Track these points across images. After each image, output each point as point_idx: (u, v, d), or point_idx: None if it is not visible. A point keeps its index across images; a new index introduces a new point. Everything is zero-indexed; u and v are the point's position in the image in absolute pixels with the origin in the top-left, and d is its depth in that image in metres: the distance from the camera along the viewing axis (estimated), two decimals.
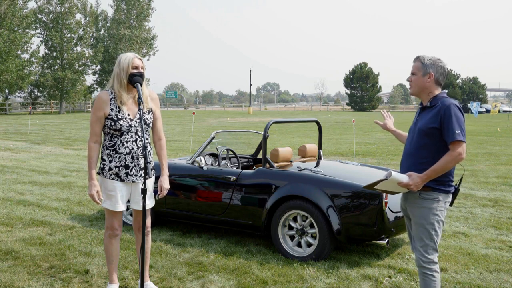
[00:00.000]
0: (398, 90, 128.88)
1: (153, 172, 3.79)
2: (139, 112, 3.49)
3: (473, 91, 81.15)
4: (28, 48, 44.64)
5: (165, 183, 3.77)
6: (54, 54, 48.62)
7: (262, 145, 5.29)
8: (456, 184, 3.27)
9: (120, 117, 3.56)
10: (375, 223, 4.51)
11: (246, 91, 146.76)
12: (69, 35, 48.59)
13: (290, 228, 4.94)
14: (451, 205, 3.27)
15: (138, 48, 53.32)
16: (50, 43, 47.97)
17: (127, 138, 3.59)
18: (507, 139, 20.43)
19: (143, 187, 3.31)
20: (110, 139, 3.62)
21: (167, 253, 4.90)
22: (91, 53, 50.85)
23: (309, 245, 4.82)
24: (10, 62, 40.57)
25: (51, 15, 47.74)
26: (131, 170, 3.62)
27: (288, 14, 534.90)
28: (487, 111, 63.36)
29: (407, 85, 3.40)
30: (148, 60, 58.86)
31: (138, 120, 3.60)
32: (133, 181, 3.65)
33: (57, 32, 47.15)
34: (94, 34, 54.18)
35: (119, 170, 3.60)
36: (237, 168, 6.26)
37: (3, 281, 4.09)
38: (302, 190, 4.79)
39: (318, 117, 44.02)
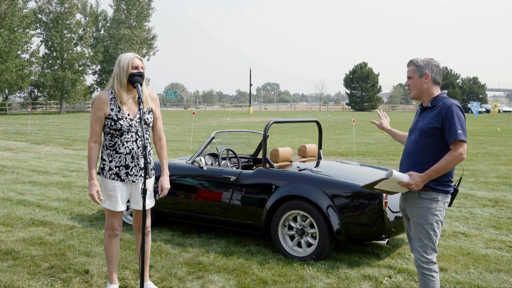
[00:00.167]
0: (398, 90, 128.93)
1: (153, 172, 3.79)
2: (139, 112, 3.49)
3: (473, 91, 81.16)
4: (28, 48, 44.65)
5: (166, 183, 3.77)
6: (54, 54, 48.62)
7: (262, 145, 5.29)
8: (455, 185, 3.27)
9: (120, 117, 3.56)
10: (375, 223, 4.51)
11: (246, 91, 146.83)
12: (69, 35, 48.59)
13: (290, 228, 4.94)
14: (449, 205, 3.28)
15: (138, 48, 53.32)
16: (50, 43, 47.97)
17: (127, 138, 3.59)
18: (507, 139, 20.43)
19: (143, 187, 3.31)
20: (110, 139, 3.62)
21: (167, 253, 4.90)
22: (91, 53, 50.84)
23: (309, 245, 4.82)
24: (10, 62, 40.57)
25: (51, 15, 47.73)
26: (131, 170, 3.62)
27: (288, 14, 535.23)
28: (487, 111, 63.36)
29: (407, 88, 3.41)
30: (148, 60, 58.91)
31: (138, 120, 3.60)
32: (133, 181, 3.65)
33: (57, 32, 47.14)
34: (94, 34, 54.17)
35: (119, 170, 3.60)
36: (237, 168, 6.26)
37: (3, 281, 4.09)
38: (302, 190, 4.79)
39: (318, 117, 44.02)
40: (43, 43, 48.25)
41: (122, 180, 3.62)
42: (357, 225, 4.59)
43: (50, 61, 48.96)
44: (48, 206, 6.96)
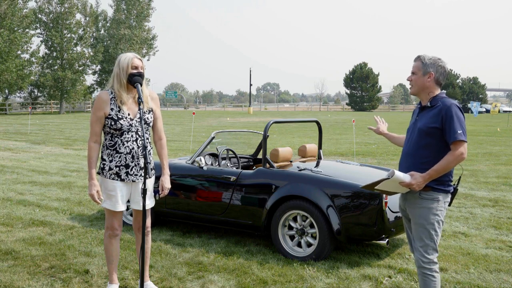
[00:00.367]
0: (398, 90, 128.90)
1: (153, 172, 3.79)
2: (139, 111, 3.49)
3: (473, 91, 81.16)
4: (28, 48, 44.65)
5: (166, 183, 3.77)
6: (54, 54, 48.62)
7: (262, 145, 5.29)
8: (454, 184, 3.27)
9: (120, 116, 3.56)
10: (375, 223, 4.51)
11: (246, 91, 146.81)
12: (69, 35, 48.59)
13: (290, 228, 4.94)
14: (449, 205, 3.28)
15: (138, 48, 53.32)
16: (50, 43, 47.96)
17: (128, 138, 3.59)
18: (507, 139, 20.43)
19: (143, 187, 3.32)
20: (110, 138, 3.62)
21: (167, 253, 4.90)
22: (91, 53, 50.84)
23: (309, 245, 4.82)
24: (10, 62, 40.57)
25: (51, 15, 47.73)
26: (131, 170, 3.62)
27: (288, 14, 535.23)
28: (487, 111, 63.37)
29: (407, 84, 3.40)
30: (148, 60, 58.91)
31: (139, 120, 3.61)
32: (133, 181, 3.65)
33: (57, 32, 47.14)
34: (94, 34, 54.16)
35: (119, 169, 3.60)
36: (237, 168, 6.26)
37: (3, 281, 4.09)
38: (302, 190, 4.79)
39: (318, 117, 44.02)
40: (43, 43, 48.26)
41: (122, 180, 3.62)
42: (357, 225, 4.59)
43: (50, 61, 48.96)
44: (48, 206, 6.96)
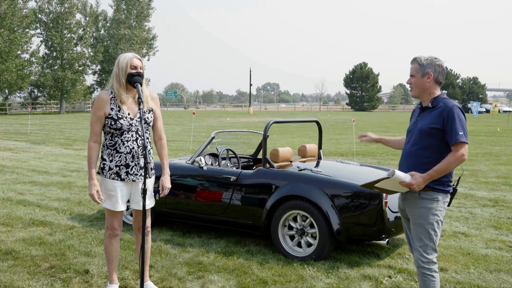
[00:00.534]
0: (398, 90, 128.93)
1: (153, 171, 3.79)
2: (139, 111, 3.49)
3: (473, 91, 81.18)
4: (28, 48, 44.65)
5: (167, 182, 3.77)
6: (54, 54, 48.61)
7: (262, 145, 5.29)
8: (453, 184, 3.27)
9: (120, 116, 3.56)
10: (375, 223, 4.51)
11: (246, 91, 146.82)
12: (69, 35, 48.58)
13: (290, 228, 4.94)
14: (448, 205, 3.28)
15: (138, 48, 53.32)
16: (50, 43, 47.96)
17: (128, 137, 3.59)
18: (507, 139, 20.43)
19: (143, 187, 3.32)
20: (110, 138, 3.62)
21: (167, 253, 4.90)
22: (91, 53, 50.85)
23: (309, 245, 4.82)
24: (10, 62, 40.57)
25: (51, 15, 47.73)
26: (131, 169, 3.62)
27: (288, 14, 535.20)
28: (487, 111, 63.38)
29: (408, 87, 3.40)
30: (148, 60, 58.93)
31: (139, 119, 3.61)
32: (133, 180, 3.65)
33: (57, 32, 47.14)
34: (94, 34, 54.16)
35: (119, 169, 3.60)
36: (237, 168, 6.26)
37: (3, 281, 4.08)
38: (302, 190, 4.79)
39: (318, 117, 44.02)
40: (43, 43, 48.26)
41: (122, 180, 3.62)
42: (357, 225, 4.59)
43: (50, 61, 48.96)
44: (48, 206, 6.96)
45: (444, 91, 3.31)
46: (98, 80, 56.25)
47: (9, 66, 40.40)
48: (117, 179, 3.62)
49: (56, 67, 48.55)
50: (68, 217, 6.34)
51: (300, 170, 5.10)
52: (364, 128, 27.67)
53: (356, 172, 5.35)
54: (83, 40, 49.66)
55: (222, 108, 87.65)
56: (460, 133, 3.04)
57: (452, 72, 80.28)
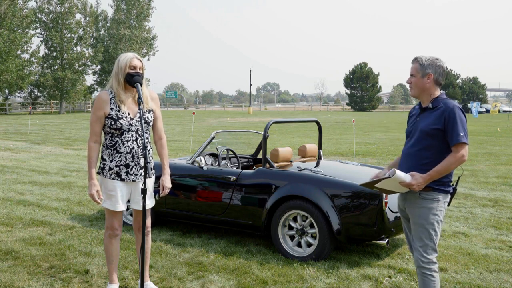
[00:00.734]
0: (398, 90, 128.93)
1: (153, 171, 3.79)
2: (139, 111, 3.50)
3: (473, 91, 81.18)
4: (28, 48, 44.67)
5: (167, 182, 3.77)
6: (54, 54, 48.62)
7: (262, 145, 5.29)
8: (453, 184, 3.27)
9: (120, 116, 3.56)
10: (375, 223, 4.51)
11: (246, 91, 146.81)
12: (69, 35, 48.59)
13: (290, 228, 4.94)
14: (448, 205, 3.28)
15: (138, 48, 53.33)
16: (50, 43, 47.96)
17: (128, 137, 3.59)
18: (507, 139, 20.43)
19: (143, 187, 3.32)
20: (110, 138, 3.62)
21: (167, 253, 4.90)
22: (91, 53, 50.85)
23: (309, 245, 4.82)
24: (10, 62, 40.57)
25: (51, 15, 47.74)
26: (131, 169, 3.62)
27: (288, 14, 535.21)
28: (487, 111, 63.37)
29: (407, 86, 3.39)
30: (148, 60, 58.95)
31: (139, 119, 3.61)
32: (133, 180, 3.65)
33: (57, 32, 47.15)
34: (94, 34, 54.16)
35: (119, 169, 3.60)
36: (237, 168, 6.26)
37: (3, 281, 4.08)
38: (302, 190, 4.79)
39: (318, 117, 44.02)
40: (43, 43, 48.27)
41: (122, 180, 3.62)
42: (357, 225, 4.59)
43: (50, 61, 48.96)
44: (48, 206, 6.96)
45: (443, 91, 3.31)
46: (98, 80, 56.25)
47: (9, 66, 40.40)
48: (117, 179, 3.62)
49: (56, 67, 48.55)
50: (68, 217, 6.34)
51: (300, 170, 5.10)
52: (364, 128, 27.66)
53: (356, 172, 5.35)
54: (83, 40, 49.66)
55: (222, 108, 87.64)
56: (461, 134, 3.04)
57: (452, 72, 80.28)
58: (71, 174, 9.94)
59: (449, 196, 3.24)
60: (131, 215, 5.89)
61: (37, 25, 47.49)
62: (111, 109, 3.56)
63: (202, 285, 4.10)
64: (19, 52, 43.05)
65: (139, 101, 3.43)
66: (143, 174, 3.65)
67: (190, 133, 21.33)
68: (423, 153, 3.18)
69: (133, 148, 3.60)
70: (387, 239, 4.59)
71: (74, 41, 49.12)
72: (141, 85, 3.53)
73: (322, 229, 4.63)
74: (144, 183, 3.31)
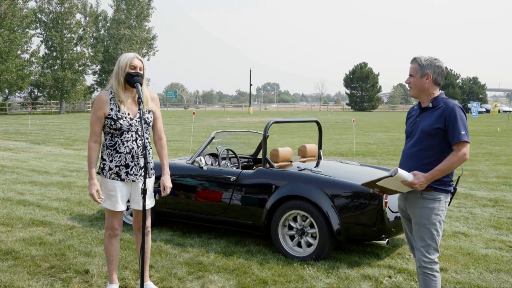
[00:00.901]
0: (398, 90, 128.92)
1: (153, 171, 3.79)
2: (139, 111, 3.50)
3: (473, 91, 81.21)
4: (28, 48, 44.66)
5: (167, 182, 3.77)
6: (54, 54, 48.63)
7: (262, 145, 5.29)
8: (453, 184, 3.27)
9: (120, 116, 3.56)
10: (375, 223, 4.51)
11: (246, 91, 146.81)
12: (69, 35, 48.59)
13: (290, 228, 4.94)
14: (448, 204, 3.28)
15: (138, 48, 53.34)
16: (50, 43, 47.97)
17: (128, 138, 3.60)
18: (507, 139, 20.43)
19: (143, 187, 3.32)
20: (110, 138, 3.62)
21: (167, 253, 4.90)
22: (91, 53, 50.85)
23: (309, 245, 4.82)
24: (10, 62, 40.57)
25: (51, 15, 47.74)
26: (131, 169, 3.62)
27: (288, 14, 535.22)
28: (487, 111, 63.38)
29: (407, 86, 3.40)
30: (148, 60, 58.95)
31: (138, 120, 3.61)
32: (133, 180, 3.65)
33: (57, 32, 47.15)
34: (94, 34, 54.18)
35: (119, 169, 3.60)
36: (237, 168, 6.26)
37: (3, 281, 4.09)
38: (302, 190, 4.79)
39: (318, 117, 44.02)
40: (43, 43, 48.27)
41: (122, 180, 3.62)
42: (357, 225, 4.59)
43: (50, 61, 48.97)
44: (48, 206, 6.96)
45: (442, 91, 3.31)
46: (98, 80, 56.26)
47: (9, 66, 40.40)
48: (117, 179, 3.62)
49: (56, 67, 48.56)
50: (68, 217, 6.34)
51: (300, 170, 5.10)
52: (364, 128, 27.67)
53: (356, 172, 5.35)
54: (83, 40, 49.67)
55: (222, 108, 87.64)
56: (462, 132, 3.04)
57: (452, 72, 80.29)
58: (71, 174, 9.94)
59: (449, 195, 3.24)
60: (131, 215, 5.89)
61: (37, 25, 47.49)
62: (111, 109, 3.56)
63: (202, 285, 4.11)
64: (19, 52, 43.05)
65: (139, 101, 3.43)
66: (143, 174, 3.65)
67: (190, 133, 21.34)
68: (424, 153, 3.18)
69: (133, 148, 3.60)
70: (387, 239, 4.59)
71: (74, 41, 49.13)
72: (141, 85, 3.53)
73: (322, 229, 4.63)
74: (144, 183, 3.31)
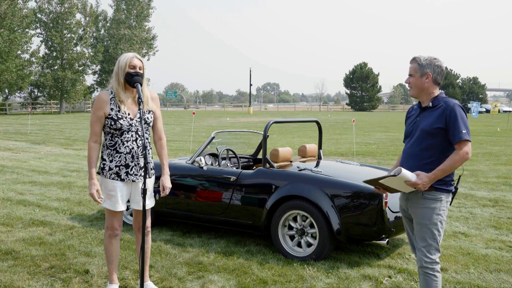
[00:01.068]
0: (398, 90, 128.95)
1: (153, 172, 3.79)
2: (139, 111, 3.50)
3: (473, 91, 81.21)
4: (28, 48, 44.65)
5: (167, 182, 3.77)
6: (54, 54, 48.63)
7: (262, 145, 5.29)
8: (454, 184, 3.27)
9: (120, 116, 3.56)
10: (375, 223, 4.51)
11: (246, 91, 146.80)
12: (69, 35, 48.60)
13: (290, 228, 4.94)
14: (450, 204, 3.28)
15: (138, 48, 53.34)
16: (50, 43, 47.98)
17: (128, 138, 3.60)
18: (507, 139, 20.43)
19: (143, 187, 3.32)
20: (110, 138, 3.62)
21: (167, 253, 4.90)
22: (91, 53, 50.86)
23: (309, 245, 4.82)
24: (10, 62, 40.57)
25: (51, 15, 47.75)
26: (131, 170, 3.63)
27: (288, 14, 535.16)
28: (487, 111, 63.37)
29: (407, 86, 3.39)
30: (148, 60, 58.96)
31: (139, 120, 3.61)
32: (133, 181, 3.65)
33: (57, 32, 47.16)
34: (94, 34, 54.18)
35: (119, 169, 3.60)
36: (237, 168, 6.26)
37: (3, 281, 4.09)
38: (302, 190, 4.79)
39: (318, 117, 44.02)
40: (43, 43, 48.28)
41: (122, 180, 3.63)
42: (357, 225, 4.59)
43: (50, 61, 48.97)
44: (48, 206, 6.96)
45: (442, 90, 3.31)
46: (98, 80, 56.27)
47: (9, 66, 40.41)
48: (117, 179, 3.62)
49: (56, 67, 48.56)
50: (68, 217, 6.34)
51: (300, 170, 5.10)
52: (364, 128, 27.67)
53: (356, 172, 5.35)
54: (83, 40, 49.67)
55: (222, 108, 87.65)
56: (463, 131, 3.04)
57: (452, 72, 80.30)
58: (71, 174, 9.94)
59: (450, 195, 3.23)
60: (131, 215, 5.89)
61: (37, 25, 47.49)
62: (111, 109, 3.56)
63: (202, 285, 4.11)
64: (19, 52, 43.05)
65: (139, 101, 3.43)
66: (143, 174, 3.65)
67: (190, 133, 21.34)
68: (424, 153, 3.17)
69: (132, 148, 3.60)
70: (387, 239, 4.59)
71: (74, 41, 49.13)
72: (141, 85, 3.53)
73: (322, 229, 4.63)
74: (144, 183, 3.31)
